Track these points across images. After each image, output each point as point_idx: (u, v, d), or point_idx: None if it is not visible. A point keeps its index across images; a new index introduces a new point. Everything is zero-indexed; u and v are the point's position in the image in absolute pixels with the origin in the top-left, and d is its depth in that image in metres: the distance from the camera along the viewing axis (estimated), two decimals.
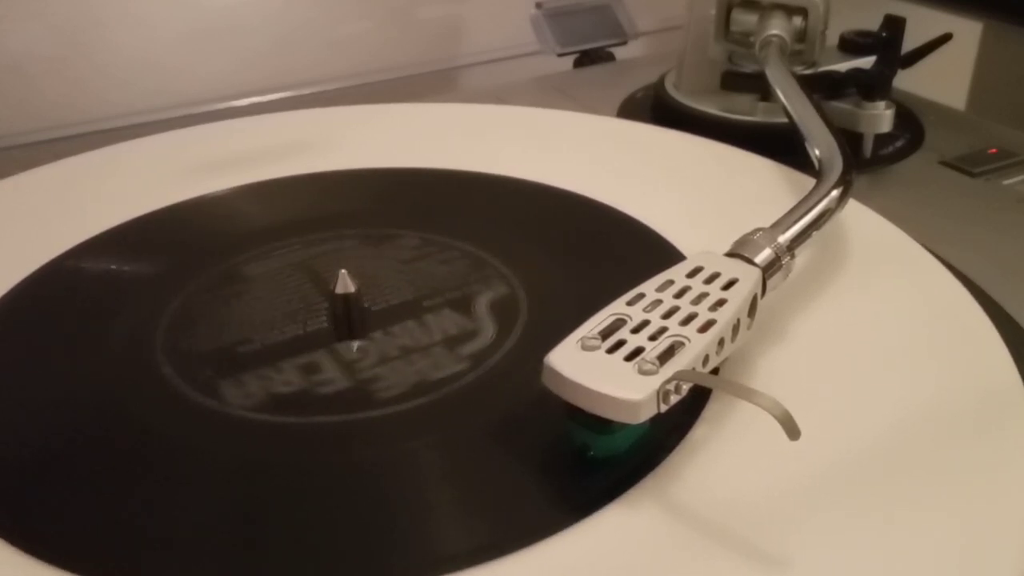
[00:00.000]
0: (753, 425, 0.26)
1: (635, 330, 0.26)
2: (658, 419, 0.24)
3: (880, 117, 0.47)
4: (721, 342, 0.26)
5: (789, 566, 0.23)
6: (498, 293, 0.34)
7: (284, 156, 0.44)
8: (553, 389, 0.25)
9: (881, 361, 0.30)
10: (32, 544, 0.24)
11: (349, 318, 0.32)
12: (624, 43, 0.69)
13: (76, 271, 0.36)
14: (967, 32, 0.64)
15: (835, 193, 0.34)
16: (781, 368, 0.29)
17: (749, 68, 0.50)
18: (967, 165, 0.48)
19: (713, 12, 0.50)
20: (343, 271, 0.32)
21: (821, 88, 0.47)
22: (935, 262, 0.35)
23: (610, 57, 0.68)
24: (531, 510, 0.25)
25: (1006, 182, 0.47)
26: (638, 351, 0.25)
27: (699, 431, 0.27)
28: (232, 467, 0.27)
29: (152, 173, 0.44)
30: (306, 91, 0.72)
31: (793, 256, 0.30)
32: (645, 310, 0.27)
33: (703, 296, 0.27)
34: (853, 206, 0.36)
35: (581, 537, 0.24)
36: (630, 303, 0.27)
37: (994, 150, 0.50)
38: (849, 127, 0.47)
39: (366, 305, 0.33)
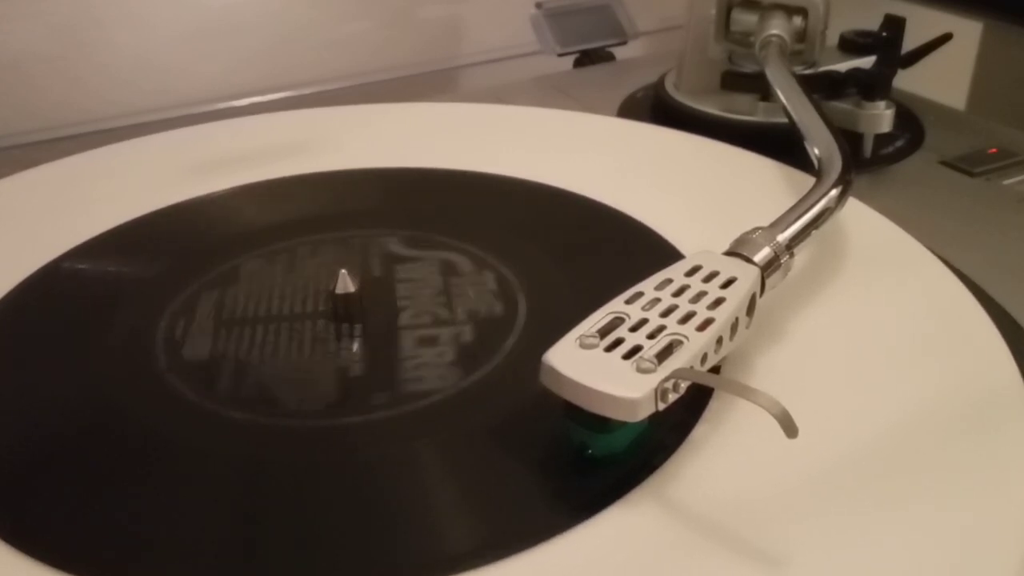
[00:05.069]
0: (753, 425, 0.26)
1: (633, 328, 0.26)
2: (658, 419, 0.24)
3: (880, 117, 0.47)
4: (720, 341, 0.26)
5: (789, 565, 0.23)
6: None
7: (284, 156, 0.44)
8: (551, 388, 0.25)
9: (881, 360, 0.30)
10: (31, 545, 0.24)
11: (349, 318, 0.32)
12: (624, 43, 0.69)
13: (76, 271, 0.36)
14: (967, 32, 0.64)
15: (834, 192, 0.34)
16: (780, 367, 0.29)
17: (749, 68, 0.50)
18: (967, 165, 0.48)
19: (713, 12, 0.50)
20: (343, 271, 0.32)
21: (821, 88, 0.47)
22: (935, 262, 0.35)
23: (610, 57, 0.68)
24: (532, 511, 0.25)
25: (1006, 182, 0.47)
26: (636, 349, 0.25)
27: (699, 431, 0.27)
28: (232, 468, 0.27)
29: (152, 173, 0.44)
30: (306, 91, 0.72)
31: (792, 255, 0.30)
32: (644, 308, 0.27)
33: (702, 295, 0.27)
34: (853, 205, 0.36)
35: (582, 537, 0.23)
36: (628, 301, 0.27)
37: (994, 150, 0.50)
38: (849, 127, 0.47)
39: (366, 304, 0.33)
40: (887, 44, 0.49)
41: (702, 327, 0.26)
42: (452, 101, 0.59)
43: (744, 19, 0.49)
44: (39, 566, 0.23)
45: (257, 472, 0.26)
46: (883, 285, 0.34)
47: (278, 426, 0.28)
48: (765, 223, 0.31)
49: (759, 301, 0.29)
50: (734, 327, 0.27)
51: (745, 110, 0.51)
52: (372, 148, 0.45)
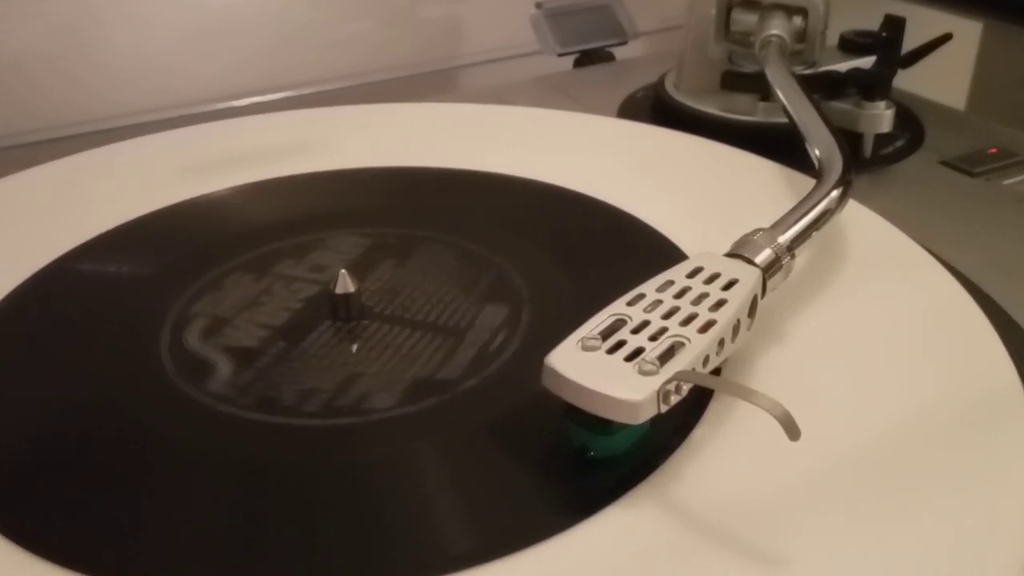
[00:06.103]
0: (754, 426, 0.26)
1: (635, 330, 0.26)
2: (659, 419, 0.24)
3: (880, 117, 0.47)
4: (721, 342, 0.26)
5: (789, 566, 0.23)
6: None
7: (284, 156, 0.44)
8: (553, 390, 0.25)
9: (881, 361, 0.30)
10: (33, 542, 0.24)
11: (349, 318, 0.32)
12: (624, 43, 0.69)
13: (76, 272, 0.36)
14: (967, 32, 0.64)
15: (835, 193, 0.34)
16: (781, 368, 0.29)
17: (749, 68, 0.50)
18: (967, 165, 0.48)
19: (713, 12, 0.50)
20: (343, 271, 0.32)
21: (821, 88, 0.47)
22: (935, 262, 0.35)
23: (610, 57, 0.68)
24: (532, 511, 0.25)
25: (1006, 182, 0.47)
26: (638, 351, 0.25)
27: (700, 431, 0.27)
28: (233, 467, 0.27)
29: (152, 173, 0.44)
30: (306, 91, 0.72)
31: (793, 256, 0.30)
32: (645, 310, 0.27)
33: (703, 296, 0.27)
34: (853, 206, 0.36)
35: (582, 538, 0.23)
36: (630, 303, 0.27)
37: (994, 150, 0.50)
38: (849, 127, 0.47)
39: (366, 304, 0.33)
40: (887, 44, 0.49)
41: (704, 329, 0.26)
42: (452, 101, 0.59)
43: (744, 19, 0.49)
44: (41, 562, 0.23)
45: (257, 472, 0.26)
46: (883, 286, 0.34)
47: (278, 426, 0.28)
48: (765, 224, 0.31)
49: (760, 303, 0.29)
50: (736, 329, 0.27)
51: (745, 110, 0.51)
52: (372, 148, 0.45)
